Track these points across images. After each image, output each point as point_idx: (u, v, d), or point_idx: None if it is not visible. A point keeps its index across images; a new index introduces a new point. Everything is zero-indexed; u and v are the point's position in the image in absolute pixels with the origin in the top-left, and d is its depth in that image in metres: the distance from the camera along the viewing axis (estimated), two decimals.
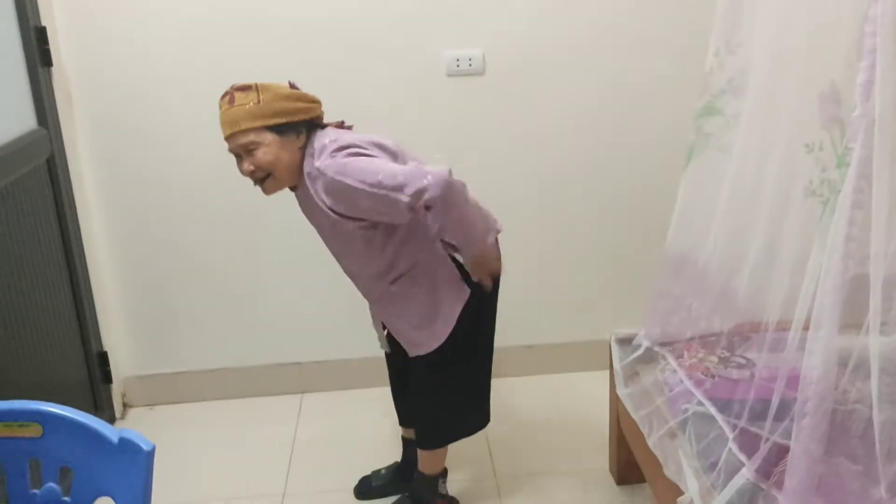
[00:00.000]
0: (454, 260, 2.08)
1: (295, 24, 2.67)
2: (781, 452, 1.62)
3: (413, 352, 2.14)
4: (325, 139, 1.94)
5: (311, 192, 1.94)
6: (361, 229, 1.96)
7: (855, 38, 1.45)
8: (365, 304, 2.23)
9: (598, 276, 3.03)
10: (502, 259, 2.16)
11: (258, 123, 1.88)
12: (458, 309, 2.06)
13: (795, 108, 1.74)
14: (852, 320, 1.50)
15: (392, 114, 2.73)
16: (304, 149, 1.95)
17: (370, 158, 1.88)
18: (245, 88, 1.90)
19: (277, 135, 1.90)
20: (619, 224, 2.97)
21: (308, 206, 2.02)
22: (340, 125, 2.04)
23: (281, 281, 2.93)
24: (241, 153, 1.92)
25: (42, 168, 2.50)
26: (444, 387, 2.17)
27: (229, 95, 1.90)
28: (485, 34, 2.74)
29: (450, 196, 1.86)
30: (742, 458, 1.70)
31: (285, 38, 2.68)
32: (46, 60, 2.52)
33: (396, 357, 2.26)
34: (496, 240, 2.13)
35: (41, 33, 2.50)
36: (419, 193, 1.81)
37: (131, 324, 2.94)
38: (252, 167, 1.91)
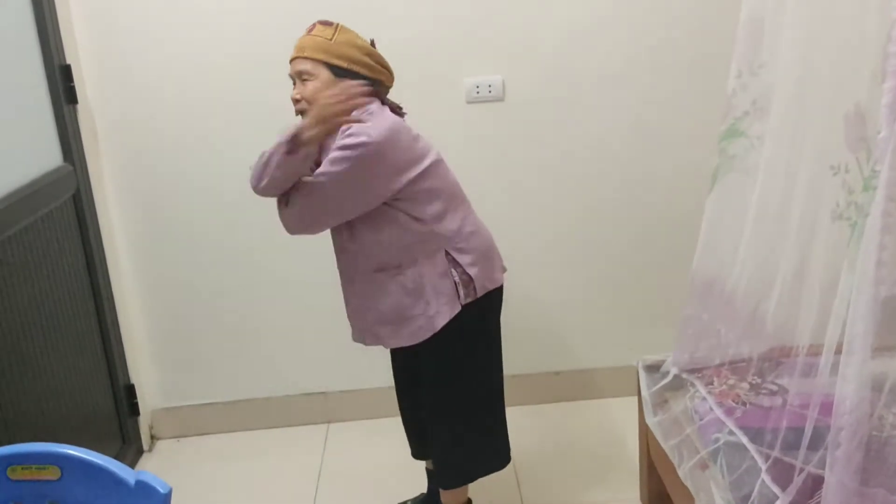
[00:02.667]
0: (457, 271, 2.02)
1: None
2: (816, 483, 1.58)
3: (367, 340, 2.10)
4: (373, 117, 1.90)
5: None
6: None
7: (879, 59, 1.42)
8: None
9: (626, 301, 2.99)
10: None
11: (320, 57, 1.91)
12: (439, 322, 1.99)
13: (820, 130, 1.71)
14: (889, 342, 1.46)
15: None
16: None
17: (349, 175, 1.85)
18: (327, 24, 1.95)
19: (334, 75, 1.91)
20: (645, 248, 2.93)
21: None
22: (396, 110, 2.05)
23: (306, 311, 2.93)
24: (297, 79, 1.95)
25: (68, 203, 2.52)
26: (455, 426, 2.15)
27: (312, 25, 1.95)
28: (504, 61, 2.73)
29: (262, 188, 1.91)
30: (776, 489, 1.65)
31: None
32: (71, 98, 2.56)
33: (404, 392, 2.28)
34: None
35: (66, 71, 2.53)
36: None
37: (158, 356, 2.95)
38: (298, 96, 1.94)
